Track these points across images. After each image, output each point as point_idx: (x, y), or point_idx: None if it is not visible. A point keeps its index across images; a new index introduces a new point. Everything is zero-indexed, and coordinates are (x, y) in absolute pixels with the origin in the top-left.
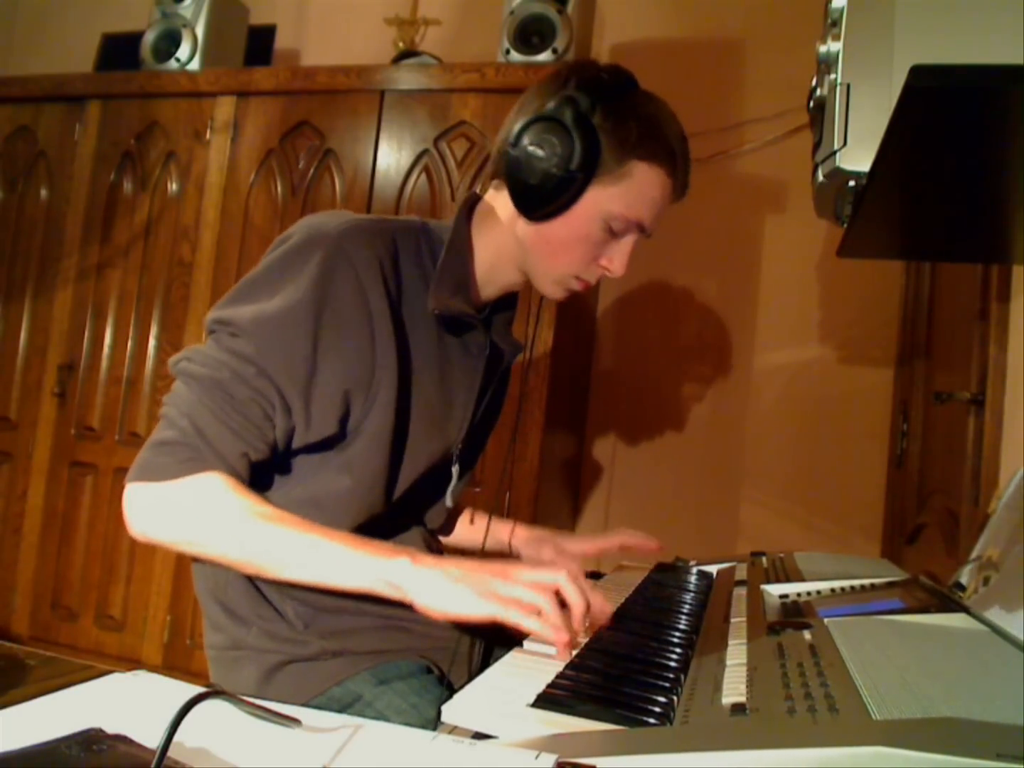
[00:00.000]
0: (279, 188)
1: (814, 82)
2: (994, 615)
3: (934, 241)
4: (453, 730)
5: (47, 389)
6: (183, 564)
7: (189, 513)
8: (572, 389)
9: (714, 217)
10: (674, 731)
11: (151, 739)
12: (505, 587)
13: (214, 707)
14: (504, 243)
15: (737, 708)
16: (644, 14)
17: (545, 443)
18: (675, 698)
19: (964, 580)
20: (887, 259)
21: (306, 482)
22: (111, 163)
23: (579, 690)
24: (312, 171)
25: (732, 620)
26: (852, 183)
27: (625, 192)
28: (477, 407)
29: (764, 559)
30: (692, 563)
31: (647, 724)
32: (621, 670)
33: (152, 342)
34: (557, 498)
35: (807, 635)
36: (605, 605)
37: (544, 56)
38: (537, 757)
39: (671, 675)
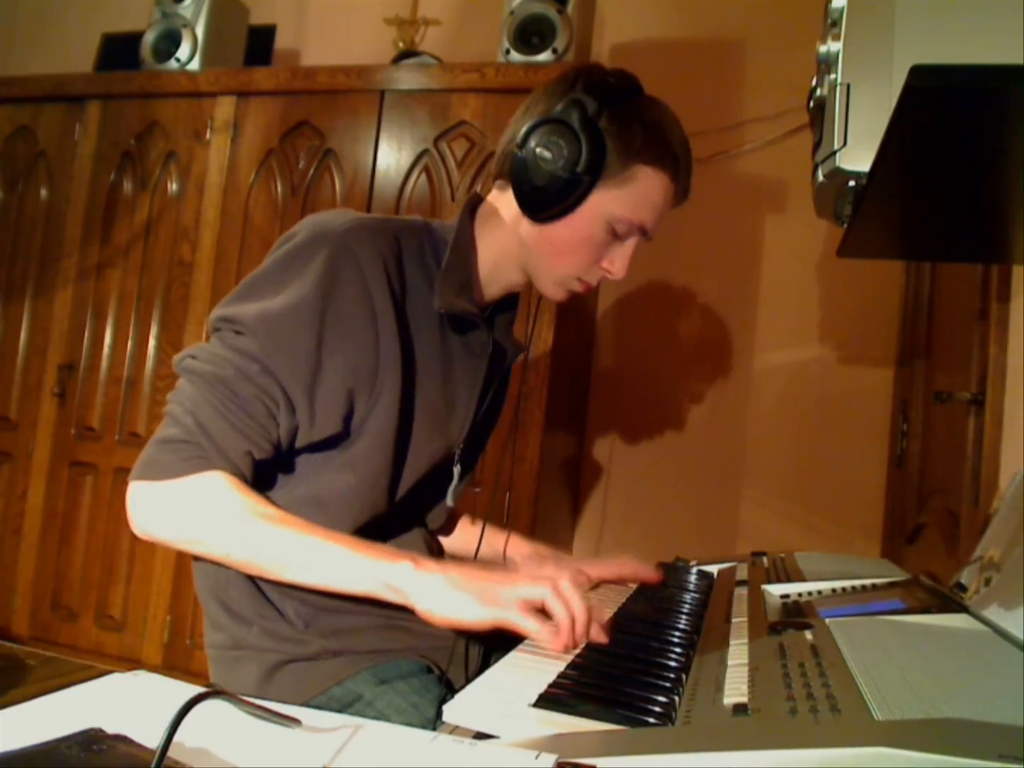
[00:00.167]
0: (279, 188)
1: (814, 82)
2: (995, 615)
3: (934, 241)
4: (454, 730)
5: (47, 389)
6: (183, 564)
7: (192, 512)
8: (572, 389)
9: (714, 217)
10: (675, 731)
11: (151, 739)
12: (507, 592)
13: (214, 707)
14: (507, 243)
15: (739, 708)
16: (644, 14)
17: (545, 443)
18: (676, 698)
19: (965, 580)
20: (887, 259)
21: (309, 481)
22: (111, 163)
23: (580, 690)
24: (312, 171)
25: (733, 620)
26: (852, 183)
27: (629, 196)
28: (479, 407)
29: (765, 559)
30: (692, 563)
31: (648, 724)
32: (622, 670)
33: (152, 342)
34: (557, 498)
35: (808, 635)
36: (600, 628)
37: (544, 56)
38: (537, 757)
39: (672, 675)
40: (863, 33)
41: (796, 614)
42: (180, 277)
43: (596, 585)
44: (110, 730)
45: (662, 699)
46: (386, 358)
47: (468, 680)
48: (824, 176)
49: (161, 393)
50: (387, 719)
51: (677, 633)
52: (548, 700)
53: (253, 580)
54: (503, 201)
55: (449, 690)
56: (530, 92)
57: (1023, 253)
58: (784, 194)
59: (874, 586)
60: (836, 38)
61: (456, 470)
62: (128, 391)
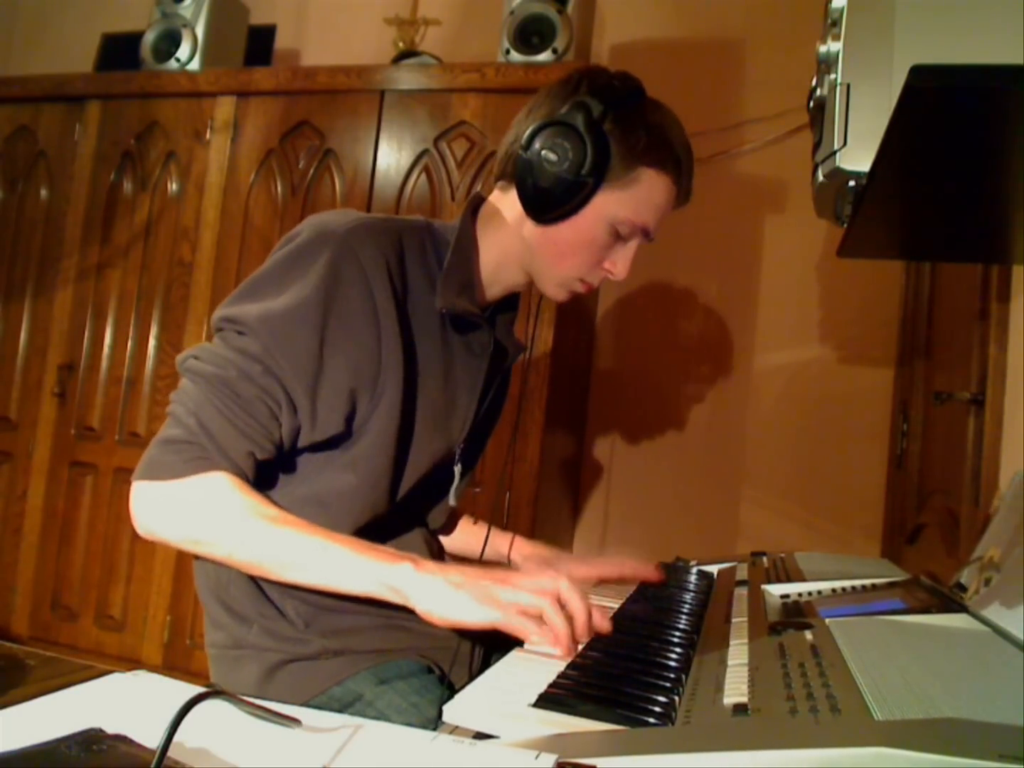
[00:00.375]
0: (279, 188)
1: (814, 82)
2: (995, 615)
3: (934, 241)
4: (454, 730)
5: (47, 389)
6: (183, 564)
7: (194, 512)
8: (572, 389)
9: (714, 217)
10: (675, 731)
11: (151, 739)
12: (506, 594)
13: (214, 707)
14: (509, 244)
15: (739, 708)
16: (644, 14)
17: (545, 443)
18: (676, 698)
19: (965, 580)
20: (887, 259)
21: (310, 480)
22: (111, 163)
23: (580, 690)
24: (312, 171)
25: (733, 620)
26: (852, 183)
27: (632, 198)
28: (480, 406)
29: (765, 559)
30: (692, 563)
31: (648, 724)
32: (622, 670)
33: (152, 342)
34: (557, 498)
35: (808, 635)
36: (601, 617)
37: (544, 56)
38: (537, 757)
39: (672, 675)
40: (863, 33)
41: (796, 614)
42: (180, 277)
43: (596, 584)
44: (110, 730)
45: (662, 699)
46: (388, 358)
47: (468, 680)
48: (824, 176)
49: (161, 393)
50: (387, 719)
51: (677, 633)
52: (548, 700)
53: (254, 579)
54: (506, 202)
55: (449, 690)
56: (530, 92)
57: (1023, 253)
58: (784, 194)
59: (874, 586)
60: (836, 38)
61: (457, 469)
62: (128, 391)
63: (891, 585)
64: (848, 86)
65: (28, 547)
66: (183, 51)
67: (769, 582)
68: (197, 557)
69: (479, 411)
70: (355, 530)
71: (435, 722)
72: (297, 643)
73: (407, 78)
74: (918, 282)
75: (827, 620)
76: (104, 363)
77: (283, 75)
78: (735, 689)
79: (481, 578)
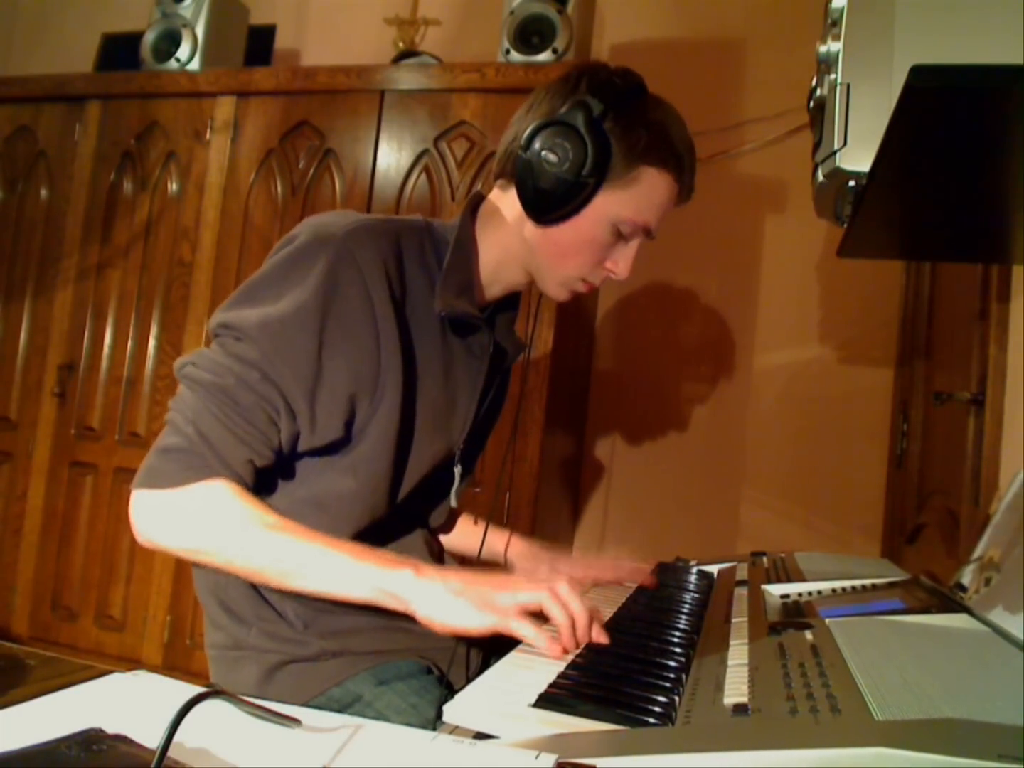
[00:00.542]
0: (279, 188)
1: (814, 82)
2: (995, 616)
3: (934, 241)
4: (454, 730)
5: (47, 389)
6: (183, 564)
7: (194, 521)
8: (572, 389)
9: (714, 217)
10: (675, 731)
11: (151, 739)
12: (504, 599)
13: (214, 707)
14: (510, 244)
15: (739, 708)
16: (644, 14)
17: (545, 443)
18: (676, 698)
19: (965, 580)
20: (887, 259)
21: (310, 483)
22: (111, 163)
23: (580, 690)
24: (312, 171)
25: (733, 620)
26: (852, 183)
27: (634, 197)
28: (479, 407)
29: (765, 559)
30: (692, 563)
31: (648, 724)
32: (622, 670)
33: (152, 342)
34: (557, 498)
35: (808, 635)
36: (600, 627)
37: (544, 56)
38: (537, 757)
39: (672, 675)
40: (863, 33)
41: (796, 614)
42: (180, 277)
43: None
44: (110, 730)
45: (662, 699)
46: (387, 362)
47: (468, 681)
48: (824, 176)
49: (161, 393)
50: (386, 720)
51: (677, 633)
52: (548, 700)
53: (253, 582)
54: (505, 201)
55: (448, 691)
56: (530, 92)
57: (1023, 253)
58: (784, 194)
59: (874, 586)
60: (836, 38)
61: (457, 470)
62: (128, 391)
63: (891, 585)
64: (848, 86)
65: (28, 547)
66: (183, 51)
67: (769, 582)
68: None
69: (479, 412)
70: (355, 533)
71: (434, 723)
72: (296, 644)
73: (407, 78)
74: (918, 282)
75: (827, 620)
76: (104, 363)
77: (283, 75)
78: (735, 689)
79: (481, 583)
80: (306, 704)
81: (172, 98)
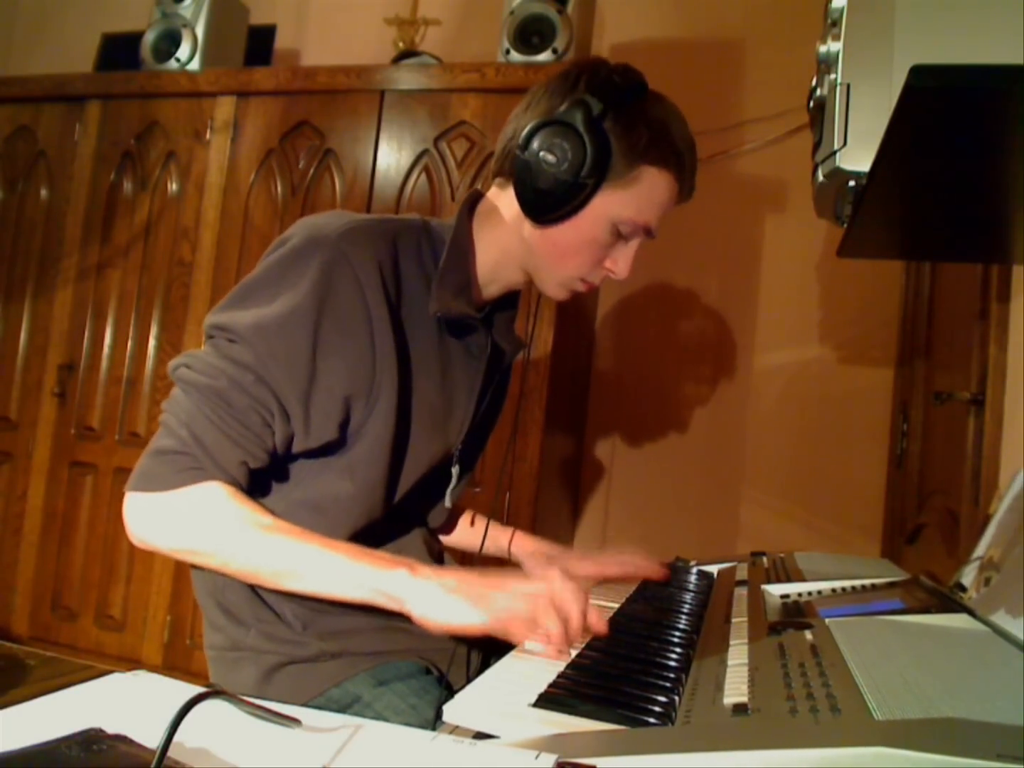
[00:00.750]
0: (279, 188)
1: (814, 82)
2: (995, 615)
3: (934, 241)
4: (454, 730)
5: (47, 389)
6: (183, 565)
7: (189, 523)
8: (572, 389)
9: (714, 217)
10: (675, 731)
11: (151, 739)
12: (500, 598)
13: (214, 707)
14: (508, 243)
15: (739, 708)
16: (644, 14)
17: (545, 443)
18: (676, 698)
19: (965, 580)
20: (887, 259)
21: (305, 485)
22: (111, 163)
23: (580, 690)
24: (312, 171)
25: (733, 620)
26: (852, 183)
27: (634, 197)
28: (477, 408)
29: (764, 559)
30: (692, 563)
31: (648, 724)
32: (622, 670)
33: (152, 342)
34: (557, 498)
35: (808, 635)
36: (598, 617)
37: (544, 56)
38: (537, 757)
39: (672, 675)
40: (863, 33)
41: (796, 614)
42: (180, 277)
43: (600, 583)
44: (110, 730)
45: (662, 699)
46: (383, 363)
47: (467, 681)
48: (824, 176)
49: (161, 393)
50: (385, 720)
51: (677, 633)
52: (548, 700)
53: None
54: (503, 200)
55: (448, 691)
56: None
57: (1023, 253)
58: (784, 194)
59: (874, 586)
60: (836, 38)
61: (455, 471)
62: (128, 391)
63: (891, 585)
64: (848, 86)
65: (28, 547)
66: (183, 51)
67: (769, 582)
68: (193, 564)
69: (477, 412)
70: (352, 534)
71: (433, 723)
72: (295, 645)
73: (407, 78)
74: (918, 282)
75: (827, 620)
76: (104, 363)
77: (283, 75)
78: (735, 689)
79: (476, 582)
80: (305, 705)
81: (172, 98)
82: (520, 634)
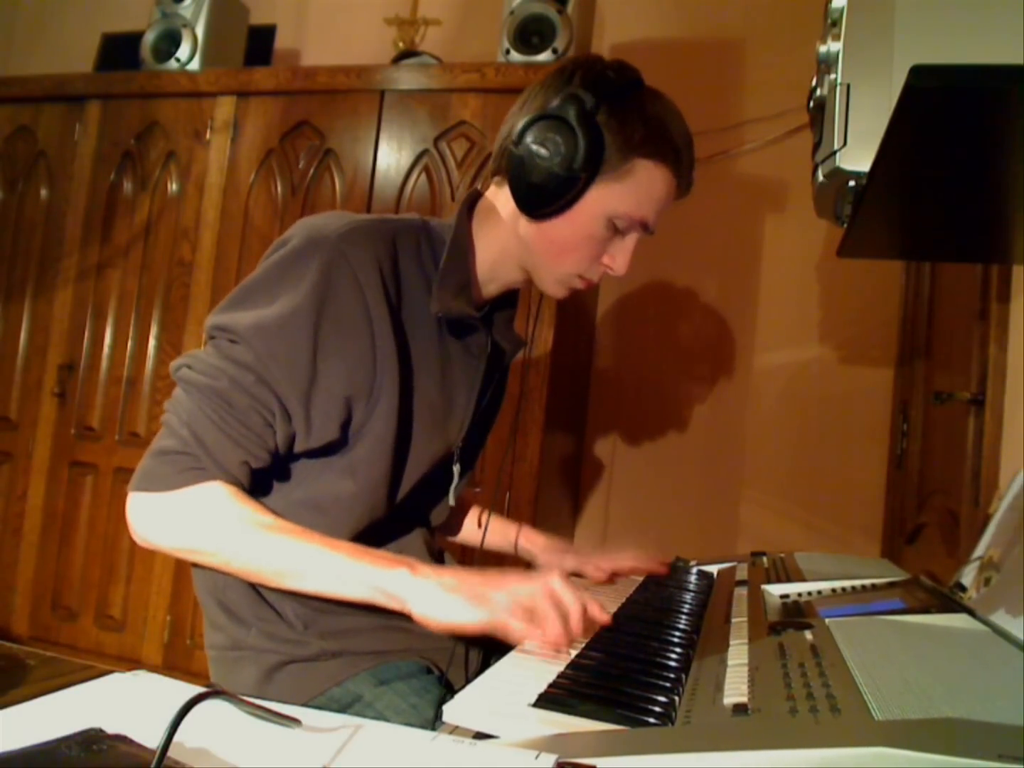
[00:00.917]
0: (279, 188)
1: (814, 82)
2: (995, 615)
3: (934, 241)
4: (454, 730)
5: (47, 389)
6: (183, 564)
7: (191, 522)
8: (572, 388)
9: (714, 217)
10: (675, 731)
11: (151, 739)
12: (499, 596)
13: (214, 707)
14: (506, 241)
15: (739, 708)
16: (644, 14)
17: (545, 443)
18: (676, 698)
19: (965, 580)
20: (887, 259)
21: (307, 485)
22: (111, 163)
23: (580, 690)
24: (312, 171)
25: (733, 620)
26: (852, 183)
27: (629, 191)
28: (477, 406)
29: (765, 559)
30: (692, 563)
31: (648, 724)
32: (622, 670)
33: (152, 342)
34: (557, 498)
35: (808, 635)
36: (599, 609)
37: (544, 56)
38: (537, 757)
39: (672, 675)
40: (863, 33)
41: (796, 614)
42: (180, 277)
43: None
44: (110, 730)
45: (662, 699)
46: (383, 363)
47: (468, 681)
48: (824, 176)
49: (161, 393)
50: (386, 720)
51: (677, 633)
52: (548, 700)
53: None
54: (501, 198)
55: (448, 691)
56: None
57: (1023, 253)
58: (784, 194)
59: (874, 586)
60: (836, 38)
61: (456, 469)
62: (128, 391)
63: (891, 585)
64: (848, 86)
65: (28, 547)
66: (183, 51)
67: (769, 582)
68: (195, 563)
69: (477, 411)
70: (354, 534)
71: (434, 723)
72: (296, 644)
73: (407, 78)
74: (918, 282)
75: (827, 620)
76: (104, 363)
77: (283, 75)
78: (735, 689)
79: (476, 580)
80: (306, 704)
81: (172, 98)
82: (519, 632)
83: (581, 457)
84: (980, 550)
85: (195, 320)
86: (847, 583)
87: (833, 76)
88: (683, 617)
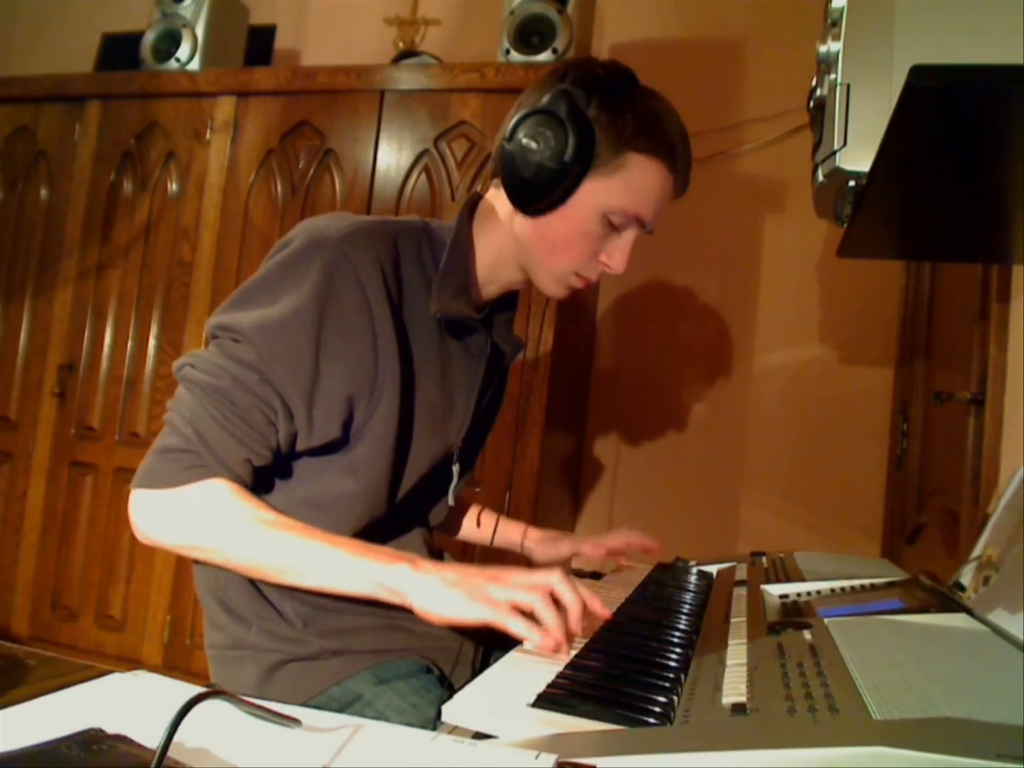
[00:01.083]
0: (279, 188)
1: (814, 82)
2: (994, 615)
3: (934, 241)
4: (454, 730)
5: (47, 389)
6: (183, 564)
7: (194, 519)
8: (572, 388)
9: (714, 217)
10: (674, 731)
11: (151, 739)
12: (498, 591)
13: (214, 707)
14: (504, 241)
15: (737, 708)
16: (644, 14)
17: (545, 443)
18: (675, 698)
19: (964, 580)
20: (887, 259)
21: (308, 483)
22: (111, 163)
23: (579, 690)
24: (312, 171)
25: (732, 620)
26: (852, 183)
27: (622, 185)
28: (477, 407)
29: (764, 559)
30: (692, 563)
31: (647, 724)
32: (621, 670)
33: (152, 342)
34: (557, 498)
35: (807, 635)
36: (600, 605)
37: (544, 56)
38: (537, 757)
39: (671, 675)
40: (863, 33)
41: (795, 614)
42: (180, 277)
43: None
44: (110, 730)
45: (661, 699)
46: (385, 363)
47: (468, 680)
48: (824, 176)
49: (161, 393)
50: (386, 719)
51: (676, 633)
52: (547, 700)
53: (252, 581)
54: (499, 199)
55: (449, 690)
56: None
57: (1023, 253)
58: (784, 194)
59: (873, 586)
60: (836, 38)
61: (455, 469)
62: (128, 391)
63: (890, 585)
64: (848, 86)
65: (28, 547)
66: (183, 51)
67: (768, 582)
68: (196, 560)
69: (477, 411)
70: (354, 532)
71: (434, 722)
72: (296, 643)
73: (407, 78)
74: (918, 282)
75: (826, 620)
76: (104, 363)
77: (283, 75)
78: (734, 689)
79: (476, 576)
80: (306, 703)
81: (172, 98)
82: (519, 627)
83: (581, 457)
84: (979, 549)
85: (195, 320)
86: (846, 583)
87: (833, 76)
88: (682, 617)
